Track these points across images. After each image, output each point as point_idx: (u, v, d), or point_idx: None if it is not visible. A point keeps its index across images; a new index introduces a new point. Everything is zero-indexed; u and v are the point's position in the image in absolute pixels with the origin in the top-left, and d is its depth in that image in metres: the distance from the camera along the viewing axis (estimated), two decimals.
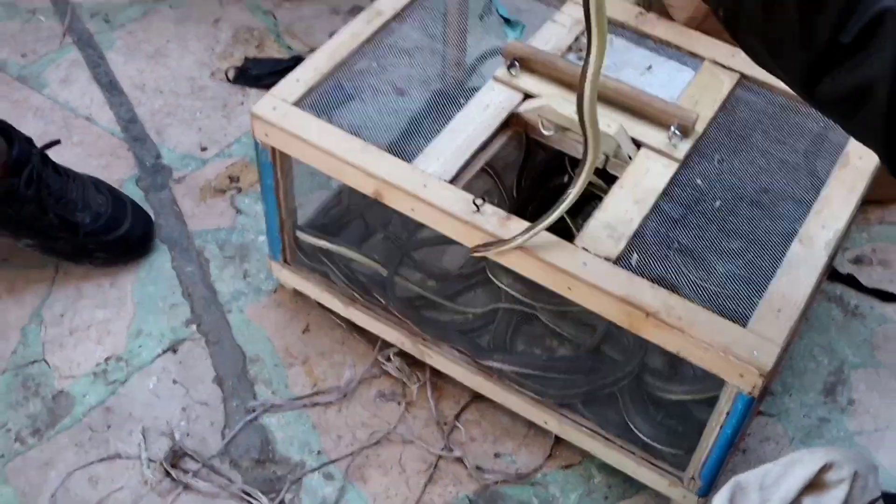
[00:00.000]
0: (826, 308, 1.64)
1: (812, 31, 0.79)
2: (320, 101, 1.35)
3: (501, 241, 1.19)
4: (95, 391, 1.48)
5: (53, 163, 1.57)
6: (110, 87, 1.91)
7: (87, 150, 1.79)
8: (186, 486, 1.39)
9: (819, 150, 1.36)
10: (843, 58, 0.79)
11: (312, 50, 1.90)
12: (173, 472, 1.40)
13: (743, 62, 1.42)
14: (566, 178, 1.51)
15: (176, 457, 1.42)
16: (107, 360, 1.52)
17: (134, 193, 1.72)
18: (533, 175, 1.57)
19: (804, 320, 1.41)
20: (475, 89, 1.39)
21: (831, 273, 1.66)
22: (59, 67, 1.94)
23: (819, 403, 1.52)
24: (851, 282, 1.69)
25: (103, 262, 1.62)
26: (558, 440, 1.44)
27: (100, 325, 1.56)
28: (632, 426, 1.36)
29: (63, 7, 2.05)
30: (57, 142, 1.61)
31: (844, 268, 1.69)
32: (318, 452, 1.43)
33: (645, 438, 1.35)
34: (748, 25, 0.84)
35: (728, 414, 1.20)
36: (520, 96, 1.36)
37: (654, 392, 1.39)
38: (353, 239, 1.55)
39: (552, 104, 1.32)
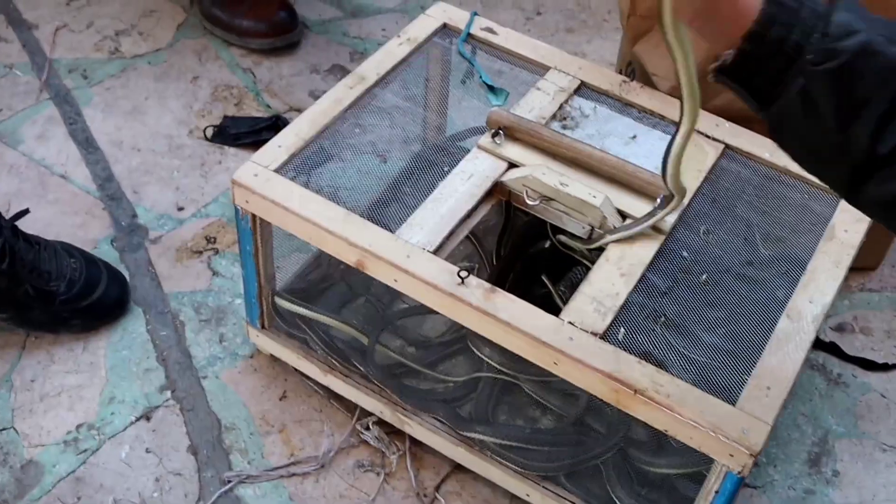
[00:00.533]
0: (809, 377, 1.63)
1: (851, 141, 0.81)
2: (302, 167, 1.33)
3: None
4: (66, 460, 1.45)
5: (24, 233, 1.53)
6: (87, 144, 1.88)
7: (63, 208, 1.77)
8: None
9: (804, 221, 1.35)
10: (882, 165, 0.81)
11: (292, 109, 1.91)
12: None
13: (727, 132, 1.42)
14: (547, 244, 1.50)
15: None
16: (78, 427, 1.48)
17: (109, 254, 1.69)
18: (513, 240, 1.55)
19: None
20: (458, 154, 1.38)
21: (814, 341, 1.65)
22: (36, 123, 1.91)
23: (804, 474, 1.50)
24: (834, 350, 1.68)
25: (80, 328, 1.58)
26: None
27: (71, 391, 1.52)
28: (616, 501, 1.34)
29: (41, 62, 2.03)
30: (26, 211, 1.56)
31: (827, 335, 1.68)
32: None
33: None
34: (791, 134, 0.87)
35: (717, 493, 1.18)
36: (504, 165, 1.35)
37: (638, 466, 1.36)
38: (333, 304, 1.53)
39: (536, 174, 1.30)
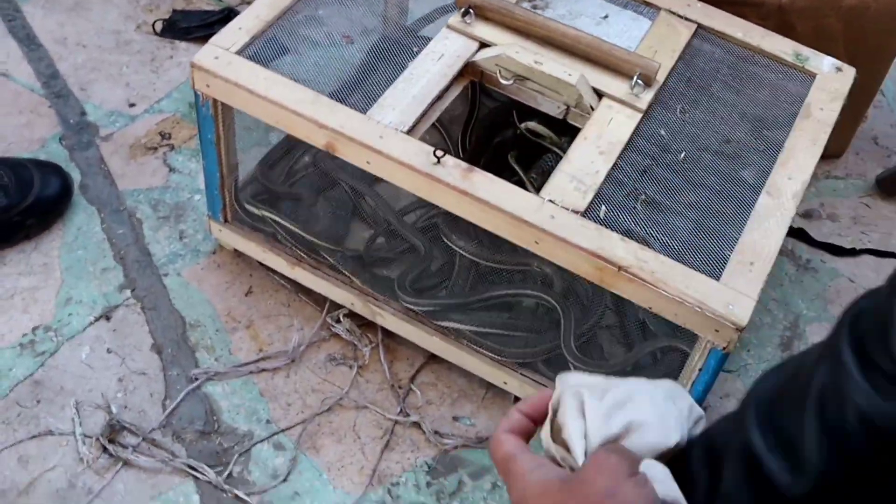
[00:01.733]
0: (779, 262, 1.61)
1: None
2: (265, 49, 1.28)
3: None
4: (23, 364, 1.39)
5: None
6: (28, 41, 1.80)
7: (6, 108, 1.69)
8: (126, 462, 1.31)
9: (779, 100, 1.33)
10: None
11: (244, 2, 1.83)
12: (111, 448, 1.32)
13: (699, 12, 1.39)
14: (514, 132, 1.46)
15: (113, 431, 1.33)
16: (34, 330, 1.43)
17: (57, 153, 1.62)
18: (479, 130, 1.51)
19: None
20: (425, 37, 1.33)
21: None
22: None
23: (776, 358, 1.50)
24: (803, 236, 1.67)
25: (38, 228, 1.53)
26: (517, 399, 1.39)
27: (25, 293, 1.46)
28: None
29: None
30: None
31: (795, 222, 1.66)
32: (267, 421, 1.36)
33: None
34: None
35: (701, 370, 1.17)
36: (475, 45, 1.30)
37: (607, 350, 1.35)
38: (298, 197, 1.48)
39: (510, 53, 1.26)
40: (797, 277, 1.60)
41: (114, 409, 1.35)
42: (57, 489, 1.29)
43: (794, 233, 1.66)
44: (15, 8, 1.84)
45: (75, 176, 1.59)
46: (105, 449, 1.32)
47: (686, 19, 1.38)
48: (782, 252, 1.60)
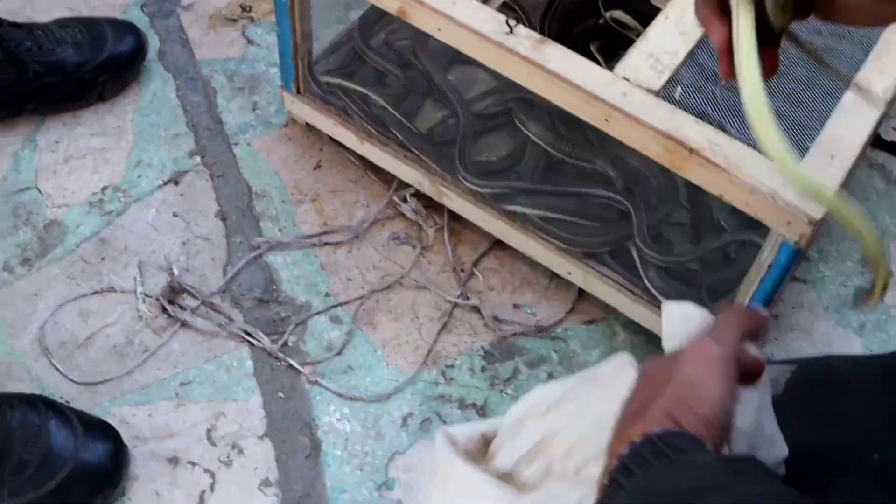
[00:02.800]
0: (868, 175, 1.55)
1: None
2: None
3: None
4: (90, 221, 1.40)
5: (8, 21, 1.47)
6: None
7: None
8: (183, 324, 1.32)
9: None
10: None
11: None
12: (170, 308, 1.32)
13: None
14: (599, 21, 1.41)
15: (173, 292, 1.34)
16: (103, 189, 1.43)
17: (139, 19, 1.61)
18: (561, 16, 1.46)
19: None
20: None
21: (875, 140, 1.56)
22: None
23: (856, 273, 1.44)
24: (895, 150, 1.59)
25: (111, 86, 1.52)
26: (581, 294, 1.36)
27: (97, 153, 1.47)
28: (645, 280, 1.28)
29: None
30: None
31: (889, 135, 1.59)
32: (326, 294, 1.35)
33: (658, 295, 1.27)
34: None
35: (771, 266, 1.12)
36: None
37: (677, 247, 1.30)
38: (370, 75, 1.45)
39: None
40: (886, 192, 1.53)
41: (175, 272, 1.35)
42: (115, 345, 1.30)
43: (887, 146, 1.59)
44: None
45: (154, 43, 1.59)
46: (164, 309, 1.32)
47: None
48: (872, 165, 1.54)
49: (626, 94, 1.09)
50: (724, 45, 0.81)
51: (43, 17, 1.55)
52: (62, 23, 1.52)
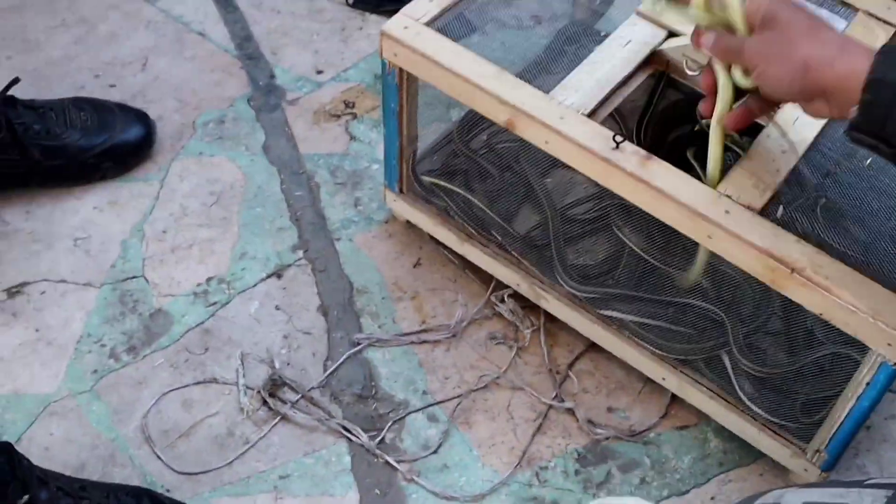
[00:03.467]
0: None
1: None
2: (453, 23, 1.28)
3: None
4: (195, 312, 1.44)
5: (22, 101, 1.53)
6: (226, 4, 1.85)
7: (199, 65, 1.75)
8: (283, 417, 1.34)
9: None
10: None
11: None
12: (270, 402, 1.35)
13: None
14: (695, 127, 1.43)
15: (274, 386, 1.37)
16: (208, 280, 1.47)
17: (245, 112, 1.67)
18: (657, 122, 1.48)
19: None
20: (613, 22, 1.32)
21: None
22: None
23: None
24: None
25: (114, 171, 1.59)
26: (674, 399, 1.37)
27: (203, 244, 1.51)
28: (738, 389, 1.28)
29: None
30: (16, 80, 1.51)
31: None
32: (424, 392, 1.37)
33: (751, 405, 1.27)
34: None
35: (868, 384, 1.12)
36: (663, 33, 1.28)
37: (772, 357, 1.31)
38: (471, 175, 1.48)
39: None
40: None
41: (276, 365, 1.39)
42: (216, 435, 1.33)
43: None
44: None
45: (259, 137, 1.64)
46: (265, 402, 1.35)
47: (885, 22, 1.33)
48: None
49: (729, 211, 1.10)
50: (710, 90, 1.10)
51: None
52: (77, 104, 1.58)
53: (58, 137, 1.53)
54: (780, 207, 1.13)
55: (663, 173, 1.14)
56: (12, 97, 1.52)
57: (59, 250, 1.50)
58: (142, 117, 1.62)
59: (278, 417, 1.34)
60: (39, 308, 1.44)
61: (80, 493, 1.16)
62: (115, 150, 1.57)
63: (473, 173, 1.49)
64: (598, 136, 1.16)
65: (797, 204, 1.14)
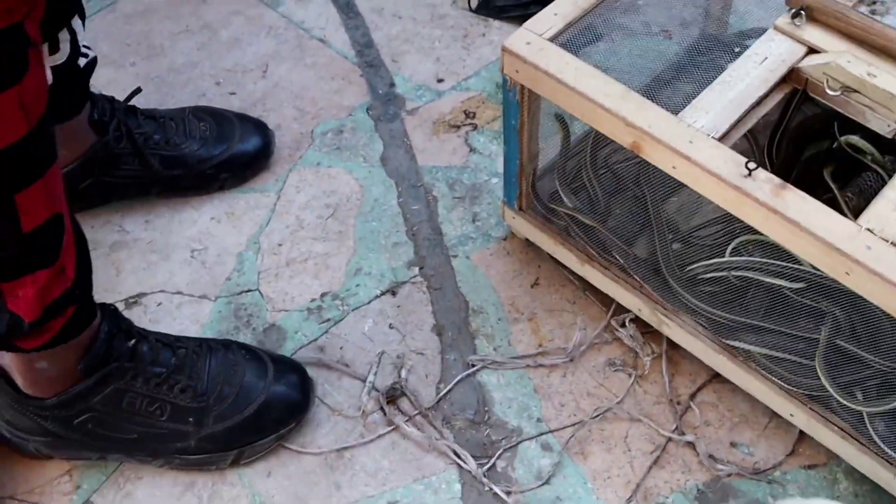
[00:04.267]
0: None
1: None
2: (578, 38, 1.23)
3: None
4: (308, 328, 1.42)
5: (143, 110, 1.54)
6: (347, 9, 1.83)
7: (319, 72, 1.72)
8: (395, 428, 1.32)
9: None
10: None
11: None
12: (387, 409, 1.33)
13: None
14: (833, 145, 1.35)
15: (395, 395, 1.34)
16: (322, 296, 1.45)
17: (364, 122, 1.64)
18: (791, 139, 1.41)
19: None
20: (747, 36, 1.25)
21: None
22: None
23: None
24: None
25: (232, 181, 1.59)
26: (802, 436, 1.30)
27: (318, 258, 1.49)
28: (870, 429, 1.21)
29: None
30: (139, 90, 1.55)
31: None
32: (538, 420, 1.32)
33: (884, 447, 1.19)
34: None
35: None
36: (802, 50, 1.21)
37: None
38: (599, 193, 1.43)
39: (841, 61, 1.16)
40: None
41: (403, 375, 1.36)
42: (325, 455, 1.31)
43: None
44: None
45: (377, 147, 1.61)
46: (383, 408, 1.33)
47: None
48: None
49: (871, 247, 1.03)
50: None
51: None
52: (197, 114, 1.59)
53: (177, 147, 1.53)
54: None
55: (799, 203, 1.07)
56: (133, 107, 1.52)
57: (175, 261, 1.49)
58: (261, 127, 1.61)
59: (391, 427, 1.32)
60: (156, 320, 1.43)
61: (175, 344, 1.28)
62: (233, 161, 1.57)
63: (597, 191, 1.43)
64: (730, 162, 1.10)
65: None
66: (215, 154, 1.55)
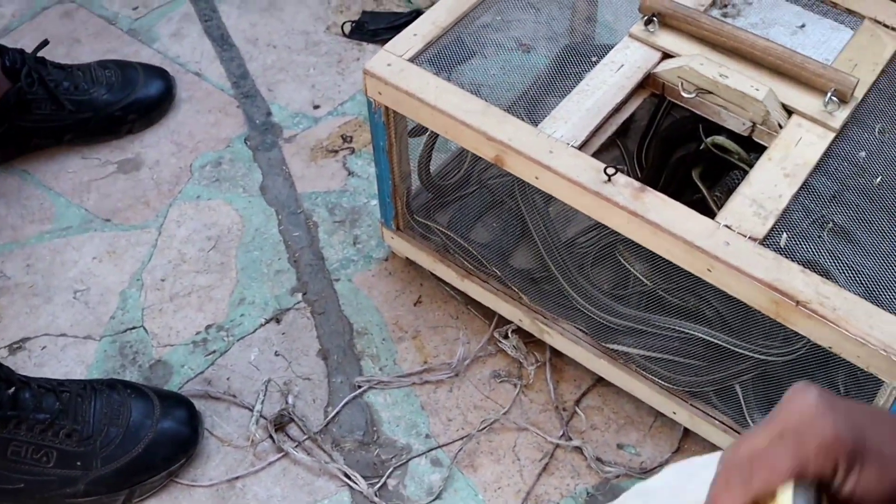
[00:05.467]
0: None
1: None
2: (438, 57, 1.25)
3: None
4: (194, 361, 1.41)
5: (52, 61, 1.65)
6: (222, 41, 1.83)
7: (196, 106, 1.72)
8: (286, 455, 1.32)
9: None
10: None
11: (433, 3, 1.81)
12: (276, 437, 1.32)
13: None
14: (699, 146, 1.39)
15: (283, 422, 1.34)
16: (207, 328, 1.44)
17: (242, 152, 1.64)
18: (660, 143, 1.44)
19: None
20: (607, 46, 1.28)
21: None
22: (171, 21, 1.87)
23: None
24: None
25: (140, 125, 1.69)
26: (686, 432, 1.32)
27: (201, 291, 1.48)
28: (750, 421, 1.23)
29: None
30: (46, 42, 1.64)
31: None
32: (427, 436, 1.33)
33: None
34: None
35: None
36: (657, 55, 1.24)
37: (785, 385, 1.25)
38: (473, 207, 1.44)
39: (693, 64, 1.20)
40: None
41: (290, 401, 1.36)
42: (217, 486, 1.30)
43: None
44: (212, 8, 1.88)
45: (256, 177, 1.61)
46: (271, 436, 1.33)
47: (893, 29, 1.28)
48: None
49: (730, 243, 1.06)
50: None
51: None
52: (102, 63, 1.70)
53: (86, 92, 1.64)
54: (784, 235, 1.08)
55: (658, 205, 1.09)
56: (42, 58, 1.63)
57: (58, 303, 1.48)
58: (163, 73, 1.73)
59: (280, 454, 1.31)
60: (41, 364, 1.42)
61: (59, 388, 1.27)
62: (139, 103, 1.68)
63: (473, 206, 1.45)
64: (590, 169, 1.12)
65: (801, 230, 1.09)
66: (122, 97, 1.66)
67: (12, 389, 1.23)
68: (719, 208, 1.29)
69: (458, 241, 1.37)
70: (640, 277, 1.31)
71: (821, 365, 1.27)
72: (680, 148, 1.42)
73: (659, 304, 1.31)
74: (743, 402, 1.25)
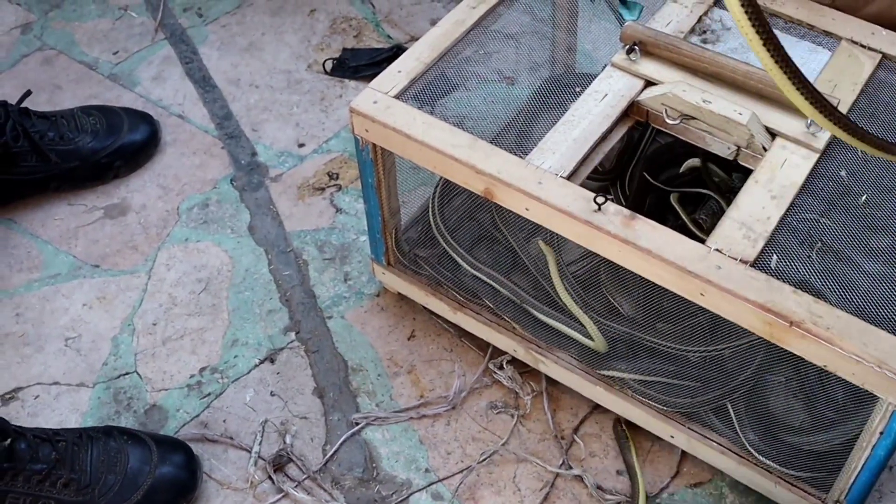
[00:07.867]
0: None
1: None
2: (423, 92, 1.26)
3: None
4: (190, 404, 1.41)
5: (36, 112, 1.65)
6: (204, 83, 1.83)
7: (181, 149, 1.73)
8: (286, 495, 1.31)
9: None
10: None
11: (413, 39, 1.83)
12: (275, 477, 1.32)
13: (885, 41, 1.30)
14: (679, 171, 1.40)
15: (281, 462, 1.34)
16: (201, 371, 1.44)
17: (229, 193, 1.65)
18: (645, 168, 1.45)
19: None
20: (589, 76, 1.29)
21: None
22: (152, 64, 1.87)
23: None
24: None
25: (126, 170, 1.69)
26: (685, 455, 1.33)
27: (194, 334, 1.48)
28: (744, 441, 1.24)
29: (155, 2, 1.99)
30: (29, 93, 1.64)
31: None
32: (426, 470, 1.33)
33: (760, 456, 1.23)
34: None
35: (882, 434, 1.08)
36: (640, 83, 1.25)
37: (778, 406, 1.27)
38: (463, 240, 1.45)
39: (676, 91, 1.21)
40: None
41: (288, 441, 1.36)
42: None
43: None
44: (192, 50, 1.89)
45: (244, 217, 1.61)
46: (270, 476, 1.33)
47: (869, 49, 1.30)
48: None
49: (721, 266, 1.07)
50: None
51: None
52: (86, 110, 1.71)
53: (71, 142, 1.64)
54: (774, 257, 1.09)
55: (649, 232, 1.10)
56: (26, 108, 1.63)
57: (49, 352, 1.47)
58: (147, 118, 1.73)
59: (280, 494, 1.31)
60: (34, 413, 1.41)
61: (55, 438, 1.27)
62: (124, 149, 1.68)
63: (464, 238, 1.46)
64: (579, 199, 1.13)
65: (791, 251, 1.10)
66: (107, 144, 1.67)
67: (8, 441, 1.23)
68: (704, 231, 1.30)
69: (451, 266, 1.38)
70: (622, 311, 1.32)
71: (813, 384, 1.29)
72: (664, 173, 1.43)
73: (651, 328, 1.32)
74: (735, 422, 1.25)
